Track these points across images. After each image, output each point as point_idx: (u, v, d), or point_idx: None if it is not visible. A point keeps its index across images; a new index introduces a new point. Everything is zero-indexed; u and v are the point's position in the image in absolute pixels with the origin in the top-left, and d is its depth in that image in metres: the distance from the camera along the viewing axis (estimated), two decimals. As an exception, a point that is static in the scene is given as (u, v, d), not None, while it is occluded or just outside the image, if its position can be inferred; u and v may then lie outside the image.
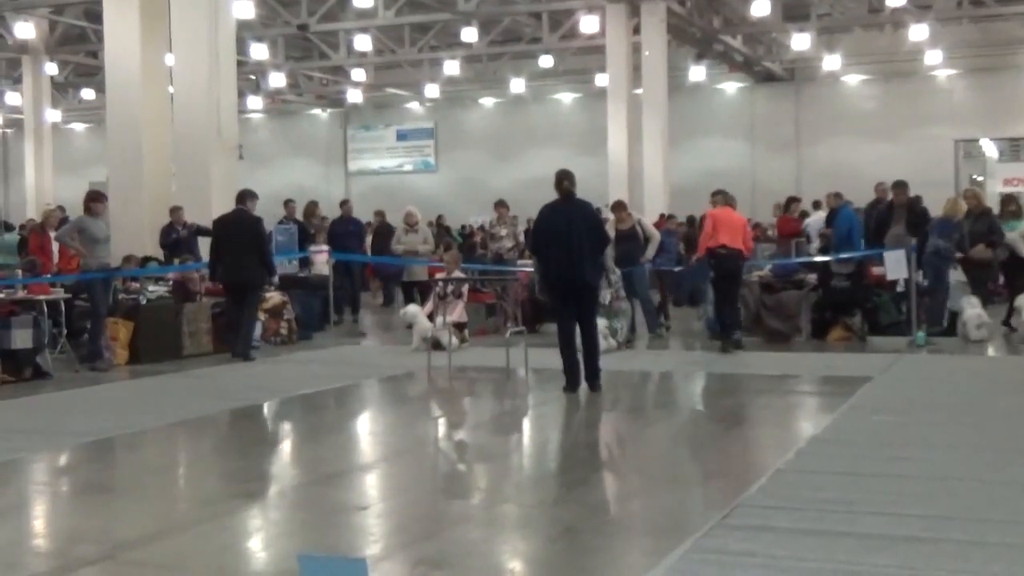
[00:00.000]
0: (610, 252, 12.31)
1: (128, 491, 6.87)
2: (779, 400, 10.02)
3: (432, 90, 34.75)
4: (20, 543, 5.63)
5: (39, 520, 6.30)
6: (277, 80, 33.23)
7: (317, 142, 41.18)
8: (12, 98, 34.29)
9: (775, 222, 21.12)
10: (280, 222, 17.22)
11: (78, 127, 42.89)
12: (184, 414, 9.32)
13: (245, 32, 25.78)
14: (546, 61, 31.30)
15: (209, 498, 6.54)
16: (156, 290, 13.89)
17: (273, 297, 14.52)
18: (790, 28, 28.14)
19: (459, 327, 13.59)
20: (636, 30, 25.49)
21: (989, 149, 35.14)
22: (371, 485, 7.03)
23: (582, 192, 10.08)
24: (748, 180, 32.39)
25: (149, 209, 15.91)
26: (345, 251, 17.38)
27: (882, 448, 7.23)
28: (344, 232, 18.44)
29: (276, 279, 14.54)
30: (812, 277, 14.43)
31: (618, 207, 14.87)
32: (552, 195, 10.06)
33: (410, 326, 13.59)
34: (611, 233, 12.83)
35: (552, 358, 10.32)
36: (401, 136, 40.24)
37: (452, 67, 31.44)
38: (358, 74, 33.81)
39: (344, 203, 19.82)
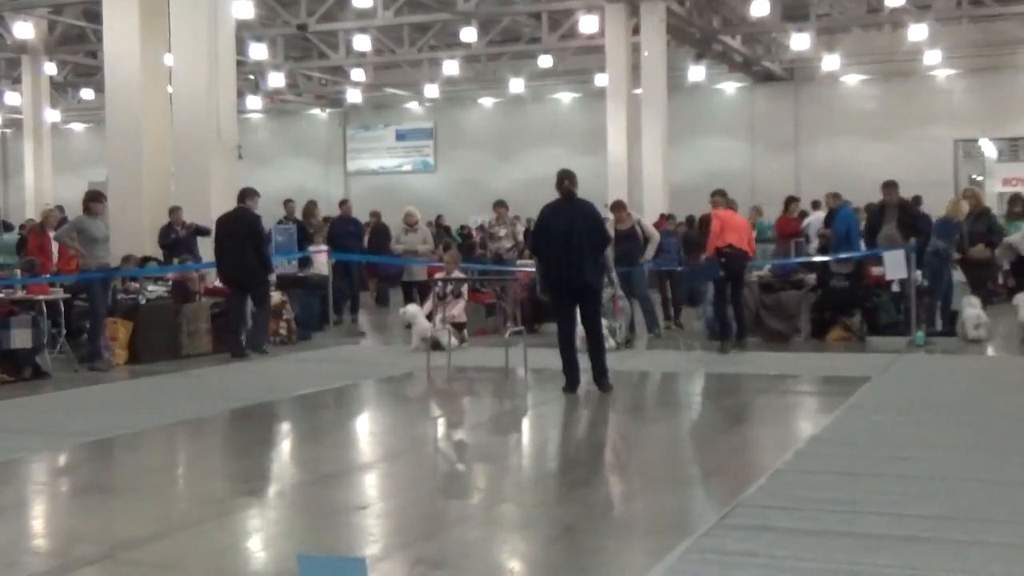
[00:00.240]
0: (609, 252, 12.31)
1: (128, 491, 6.86)
2: (778, 400, 10.02)
3: (431, 90, 34.75)
4: (20, 543, 5.62)
5: (39, 520, 6.30)
6: (276, 80, 33.23)
7: (316, 142, 41.17)
8: (11, 98, 34.26)
9: (773, 223, 21.14)
10: (279, 222, 17.23)
11: (77, 127, 42.88)
12: (183, 414, 9.31)
13: (244, 32, 25.78)
14: (545, 61, 31.28)
15: (209, 498, 6.53)
16: (155, 290, 13.89)
17: (272, 297, 14.51)
18: (789, 28, 28.14)
19: (458, 327, 13.58)
20: (635, 30, 25.47)
21: (988, 149, 35.16)
22: (370, 485, 7.03)
23: (581, 192, 10.05)
24: (748, 180, 32.38)
25: (148, 209, 15.90)
26: (344, 251, 17.39)
27: (881, 448, 7.23)
28: (343, 232, 18.43)
29: (274, 276, 14.55)
30: (811, 277, 14.44)
31: (617, 207, 14.88)
32: (552, 195, 10.05)
33: (409, 326, 13.60)
34: (610, 233, 12.83)
35: (551, 358, 10.32)
36: (400, 136, 40.24)
37: (451, 67, 31.43)
38: (357, 74, 33.80)
39: (343, 203, 19.81)
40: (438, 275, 14.73)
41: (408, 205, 17.46)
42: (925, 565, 4.73)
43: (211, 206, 15.25)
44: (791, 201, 19.73)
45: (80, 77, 34.89)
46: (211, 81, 15.42)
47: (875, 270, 13.89)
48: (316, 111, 41.36)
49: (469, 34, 28.26)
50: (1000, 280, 17.89)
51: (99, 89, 26.80)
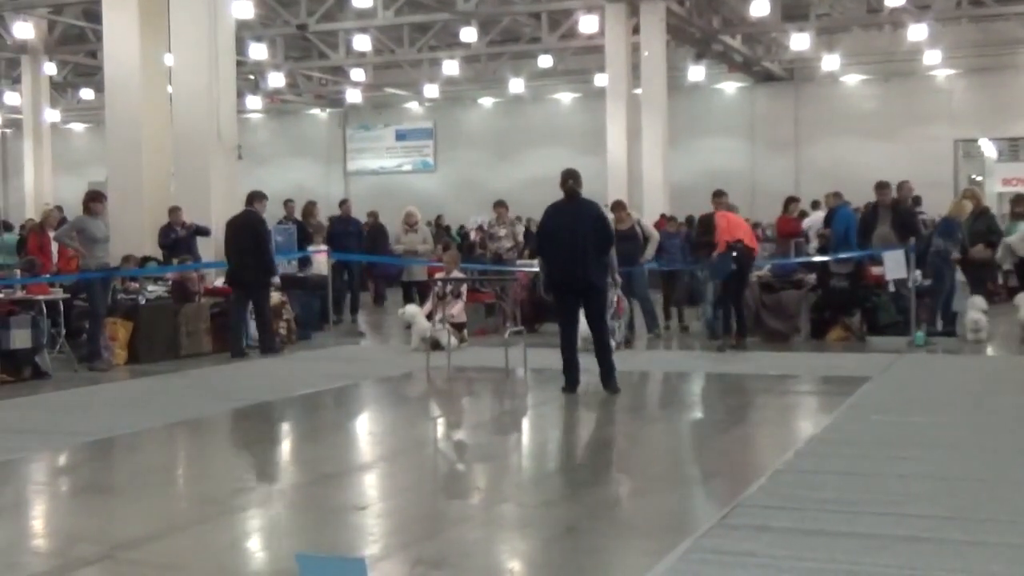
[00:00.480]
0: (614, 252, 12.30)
1: (128, 491, 6.87)
2: (778, 400, 10.02)
3: (431, 90, 34.73)
4: (20, 543, 5.62)
5: (39, 520, 6.30)
6: (276, 80, 33.22)
7: (316, 142, 41.16)
8: (11, 98, 34.23)
9: (775, 222, 21.12)
10: (279, 222, 17.22)
11: (77, 127, 42.87)
12: (183, 414, 9.31)
13: (244, 32, 25.77)
14: (545, 61, 31.28)
15: (209, 498, 6.53)
16: (155, 290, 13.89)
17: (272, 297, 14.51)
18: (789, 28, 28.13)
19: (458, 327, 13.58)
20: (635, 30, 25.46)
21: (988, 149, 35.16)
22: (370, 485, 7.03)
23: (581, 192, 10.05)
24: (747, 180, 32.39)
25: (148, 209, 15.88)
26: (344, 251, 17.39)
27: (882, 448, 7.23)
28: (343, 232, 18.45)
29: (277, 279, 14.56)
30: (811, 277, 14.44)
31: (617, 207, 14.88)
32: (553, 194, 10.03)
33: (409, 326, 13.60)
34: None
35: (551, 358, 10.32)
36: (400, 136, 40.23)
37: (451, 67, 31.42)
38: (357, 74, 33.79)
39: (343, 203, 19.82)
40: (438, 275, 14.74)
41: (408, 205, 17.46)
42: (925, 565, 4.73)
43: (211, 206, 15.28)
44: (791, 201, 19.72)
45: (80, 77, 34.89)
46: (211, 81, 15.41)
47: (875, 270, 13.89)
48: (316, 111, 41.35)
49: (469, 34, 28.25)
50: (1000, 280, 17.90)
51: (99, 89, 26.79)
